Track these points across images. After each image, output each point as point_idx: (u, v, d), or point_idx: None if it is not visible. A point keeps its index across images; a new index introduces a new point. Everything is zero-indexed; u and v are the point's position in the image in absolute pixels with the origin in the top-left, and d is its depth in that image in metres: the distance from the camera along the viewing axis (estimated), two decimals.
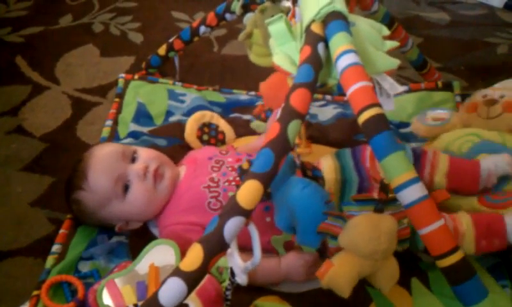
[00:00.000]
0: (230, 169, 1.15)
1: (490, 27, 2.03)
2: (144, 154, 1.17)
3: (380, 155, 0.81)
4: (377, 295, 1.01)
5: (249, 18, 1.23)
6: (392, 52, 0.95)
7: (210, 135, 1.37)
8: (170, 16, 2.06)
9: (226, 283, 0.87)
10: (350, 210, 0.93)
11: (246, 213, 0.75)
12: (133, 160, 1.15)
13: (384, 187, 0.90)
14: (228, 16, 1.49)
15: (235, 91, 1.61)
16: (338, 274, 0.88)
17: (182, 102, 1.53)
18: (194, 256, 0.73)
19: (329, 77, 0.93)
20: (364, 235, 0.87)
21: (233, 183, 1.12)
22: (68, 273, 1.05)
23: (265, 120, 1.40)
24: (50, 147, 1.42)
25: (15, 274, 1.11)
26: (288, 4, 1.12)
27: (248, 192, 0.76)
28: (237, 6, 1.41)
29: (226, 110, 1.51)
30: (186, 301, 0.76)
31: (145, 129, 1.42)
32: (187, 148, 1.34)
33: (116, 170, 1.12)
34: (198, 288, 0.76)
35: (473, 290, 0.80)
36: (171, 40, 1.59)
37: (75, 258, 1.09)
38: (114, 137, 1.40)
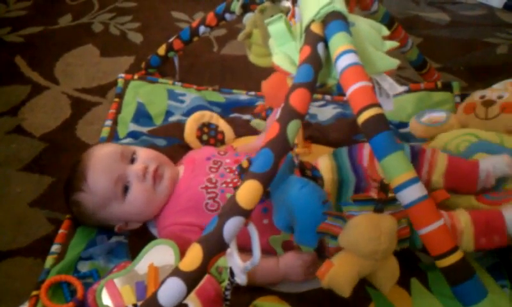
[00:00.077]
0: (228, 170, 1.15)
1: (490, 27, 2.03)
2: (144, 154, 1.17)
3: (380, 155, 0.81)
4: (377, 295, 1.01)
5: (248, 18, 1.23)
6: (391, 52, 0.95)
7: (209, 135, 1.37)
8: (170, 16, 2.06)
9: (226, 283, 0.87)
10: (350, 210, 0.93)
11: (246, 213, 0.75)
12: (132, 160, 1.15)
13: (384, 187, 0.90)
14: (227, 16, 1.50)
15: (234, 91, 1.61)
16: (338, 273, 0.88)
17: (182, 102, 1.53)
18: (194, 256, 0.73)
19: (328, 77, 0.93)
20: (364, 235, 0.87)
21: (230, 185, 1.12)
22: (67, 273, 1.05)
23: (265, 119, 1.40)
24: (50, 147, 1.42)
25: (15, 274, 1.11)
26: (288, 4, 1.12)
27: (248, 192, 0.76)
28: (236, 6, 1.41)
29: (225, 110, 1.51)
30: (185, 301, 0.75)
31: (145, 129, 1.42)
32: (187, 148, 1.34)
33: (115, 171, 1.11)
34: (197, 288, 0.76)
35: (473, 290, 0.81)
36: (170, 40, 1.59)
37: (74, 258, 1.09)
38: (113, 137, 1.40)
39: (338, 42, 0.87)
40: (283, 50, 0.98)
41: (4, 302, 1.06)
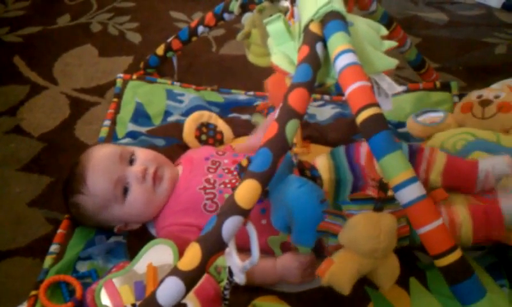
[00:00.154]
0: (226, 171, 1.15)
1: (488, 27, 2.03)
2: (143, 155, 1.16)
3: (378, 155, 0.81)
4: (376, 294, 1.01)
5: (247, 18, 1.23)
6: (390, 52, 0.95)
7: (208, 135, 1.37)
8: (168, 16, 2.06)
9: (224, 283, 0.87)
10: (350, 209, 0.93)
11: (244, 213, 0.75)
12: (131, 161, 1.15)
13: (383, 186, 0.90)
14: (226, 16, 1.49)
15: (233, 91, 1.61)
16: (338, 271, 0.88)
17: (181, 102, 1.53)
18: (192, 255, 0.73)
19: (327, 77, 0.93)
20: (364, 233, 0.87)
21: (228, 185, 1.12)
22: (66, 273, 1.05)
23: (265, 115, 1.41)
24: (49, 147, 1.42)
25: (13, 273, 1.11)
26: (287, 3, 1.12)
27: (246, 192, 0.76)
28: (235, 6, 1.41)
29: (224, 110, 1.51)
30: (184, 300, 0.76)
31: (143, 129, 1.42)
32: (186, 148, 1.34)
33: (114, 173, 1.11)
34: (196, 287, 0.76)
35: (472, 290, 0.81)
36: (169, 40, 1.59)
37: (73, 258, 1.09)
38: (112, 137, 1.40)
39: (337, 42, 0.87)
40: (281, 50, 0.98)
41: (2, 302, 1.05)
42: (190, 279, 0.73)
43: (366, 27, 0.96)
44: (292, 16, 1.04)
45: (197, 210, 1.09)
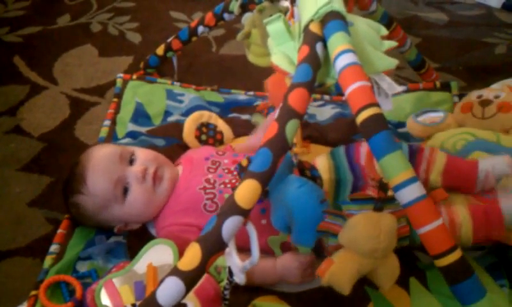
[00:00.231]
0: (226, 171, 1.15)
1: (488, 27, 2.03)
2: (143, 155, 1.16)
3: (378, 155, 0.81)
4: (376, 295, 1.01)
5: (247, 18, 1.23)
6: (390, 52, 0.95)
7: (208, 135, 1.36)
8: (168, 16, 2.06)
9: (225, 283, 0.87)
10: (350, 209, 0.93)
11: (244, 213, 0.75)
12: (131, 162, 1.15)
13: (383, 186, 0.90)
14: (226, 16, 1.49)
15: (233, 91, 1.61)
16: (338, 271, 0.88)
17: (181, 102, 1.53)
18: (192, 255, 0.73)
19: (327, 77, 0.93)
20: (364, 233, 0.87)
21: (228, 185, 1.12)
22: (66, 273, 1.05)
23: (265, 115, 1.41)
24: (48, 147, 1.42)
25: (13, 273, 1.11)
26: (287, 4, 1.12)
27: (246, 192, 0.76)
28: (235, 6, 1.41)
29: (224, 110, 1.51)
30: (184, 300, 0.76)
31: (143, 129, 1.42)
32: (186, 148, 1.34)
33: (114, 173, 1.11)
34: (196, 287, 0.76)
35: (472, 290, 0.81)
36: (169, 40, 1.59)
37: (73, 258, 1.09)
38: (112, 137, 1.40)
39: (337, 42, 0.87)
40: (281, 50, 0.98)
41: (2, 302, 1.05)
42: (190, 279, 0.73)
43: (366, 27, 0.96)
44: (292, 16, 1.04)
45: (197, 210, 1.09)
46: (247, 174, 0.78)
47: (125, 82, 1.59)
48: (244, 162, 0.98)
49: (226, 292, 0.87)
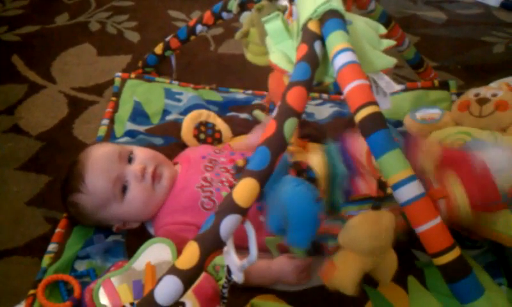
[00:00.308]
0: (223, 170, 1.15)
1: (486, 26, 2.03)
2: (141, 154, 1.16)
3: (377, 153, 0.81)
4: (374, 293, 1.01)
5: (245, 16, 1.23)
6: (388, 51, 0.95)
7: (206, 134, 1.36)
8: (167, 15, 2.06)
9: (223, 281, 0.87)
10: (349, 211, 0.93)
11: (243, 211, 0.75)
12: (130, 160, 1.14)
13: (382, 185, 0.90)
14: (224, 15, 1.49)
15: (231, 89, 1.61)
16: (342, 275, 0.88)
17: (179, 100, 1.53)
18: (190, 254, 0.73)
19: (325, 75, 0.93)
20: (365, 233, 0.87)
21: (226, 183, 1.12)
22: (64, 272, 1.05)
23: (267, 111, 1.41)
24: (47, 146, 1.42)
25: (12, 273, 1.11)
26: (285, 2, 1.11)
27: (244, 190, 0.76)
28: (233, 5, 1.41)
29: (223, 109, 1.51)
30: (183, 299, 0.75)
31: (142, 128, 1.42)
32: (184, 146, 1.33)
33: (113, 171, 1.11)
34: (194, 286, 0.75)
35: (470, 288, 0.81)
36: (167, 39, 1.59)
37: (71, 257, 1.09)
38: (110, 136, 1.40)
39: (336, 40, 0.87)
40: (280, 49, 0.98)
41: (1, 301, 1.05)
42: (188, 277, 0.73)
43: (364, 26, 0.96)
44: (291, 14, 1.04)
45: (195, 208, 1.09)
46: (245, 172, 0.78)
47: (124, 81, 1.59)
48: (240, 162, 0.98)
49: (225, 291, 0.87)
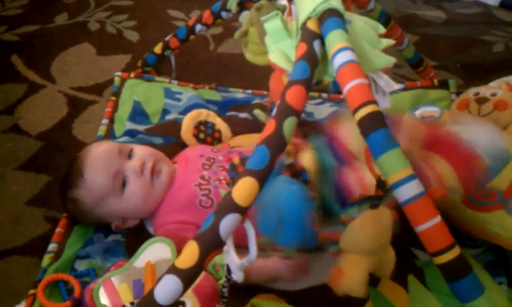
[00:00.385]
0: (221, 168, 1.15)
1: (486, 25, 2.03)
2: (141, 151, 1.16)
3: (376, 152, 0.81)
4: (374, 293, 1.01)
5: (245, 16, 1.23)
6: (388, 50, 0.95)
7: (206, 134, 1.36)
8: (166, 15, 2.06)
9: (223, 280, 0.87)
10: (350, 214, 0.92)
11: (242, 211, 0.75)
12: (129, 157, 1.15)
13: (381, 184, 0.90)
14: (224, 14, 1.49)
15: (231, 89, 1.61)
16: (350, 278, 0.88)
17: (179, 100, 1.53)
18: (190, 253, 0.73)
19: (325, 75, 0.93)
20: (367, 234, 0.87)
21: (223, 181, 1.12)
22: (64, 272, 1.05)
23: (267, 110, 1.40)
24: (46, 146, 1.42)
25: (12, 273, 1.11)
26: (284, 1, 1.11)
27: (244, 189, 0.76)
28: (233, 4, 1.41)
29: (222, 108, 1.51)
30: (182, 298, 0.75)
31: (141, 127, 1.42)
32: (184, 146, 1.33)
33: (112, 166, 1.11)
34: (194, 285, 0.75)
35: (470, 287, 0.81)
36: (167, 38, 1.59)
37: (71, 257, 1.09)
38: (110, 135, 1.40)
39: (335, 39, 0.86)
40: (279, 48, 0.98)
41: (1, 301, 1.05)
42: (188, 277, 0.73)
43: (364, 25, 0.96)
44: (290, 14, 1.04)
45: (193, 206, 1.09)
46: (245, 171, 0.78)
47: (123, 81, 1.59)
48: (236, 161, 0.98)
49: (225, 290, 0.87)
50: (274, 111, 0.83)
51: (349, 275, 0.88)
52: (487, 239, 1.07)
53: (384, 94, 0.91)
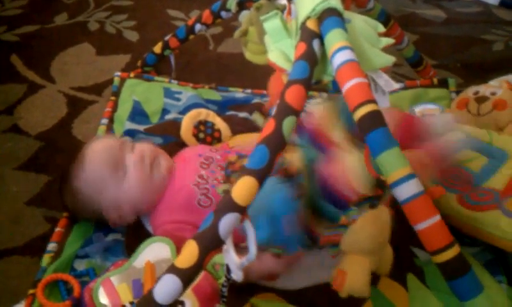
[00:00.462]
0: (219, 168, 1.15)
1: (486, 24, 2.03)
2: (142, 146, 1.18)
3: (376, 151, 0.81)
4: (374, 291, 1.01)
5: (244, 15, 1.23)
6: (387, 49, 0.95)
7: (206, 133, 1.36)
8: (166, 15, 2.06)
9: (222, 280, 0.87)
10: (351, 216, 0.93)
11: (241, 210, 0.75)
12: (131, 151, 1.16)
13: (380, 183, 0.90)
14: (223, 14, 1.49)
15: (231, 89, 1.61)
16: (353, 280, 0.88)
17: (178, 100, 1.53)
18: (190, 252, 0.73)
19: (324, 74, 0.93)
20: (367, 235, 0.87)
21: (222, 181, 1.12)
22: (64, 271, 1.05)
23: (265, 114, 1.41)
24: (46, 146, 1.42)
25: (11, 272, 1.11)
26: (284, 1, 1.11)
27: (243, 189, 0.76)
28: (232, 4, 1.41)
29: (222, 108, 1.51)
30: (182, 298, 0.75)
31: (141, 127, 1.42)
32: (183, 145, 1.33)
33: (113, 156, 1.13)
34: (194, 284, 0.76)
35: (469, 285, 0.80)
36: (166, 38, 1.59)
37: (70, 256, 1.09)
38: None
39: (334, 39, 0.86)
40: (278, 47, 0.98)
41: (0, 301, 1.05)
42: (187, 276, 0.73)
43: (363, 24, 0.96)
44: (289, 13, 1.04)
45: (192, 205, 1.09)
46: (244, 171, 0.78)
47: (123, 81, 1.59)
48: (233, 158, 0.97)
49: (224, 289, 0.87)
50: (274, 111, 0.83)
51: (352, 277, 0.88)
52: (482, 239, 1.07)
53: (384, 93, 0.91)
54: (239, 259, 0.78)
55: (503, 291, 1.01)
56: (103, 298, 0.94)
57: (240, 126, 1.42)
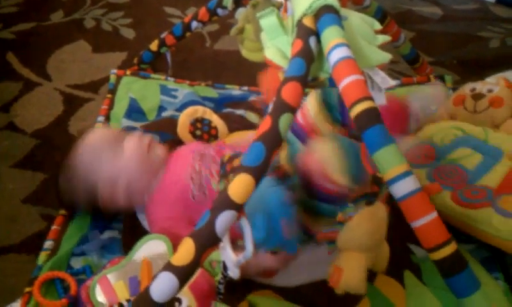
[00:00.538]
0: (214, 163, 1.15)
1: (482, 21, 2.04)
2: (139, 132, 1.21)
3: (372, 148, 0.81)
4: (371, 288, 1.01)
5: (241, 13, 1.23)
6: (384, 46, 0.95)
7: (202, 131, 1.36)
8: (162, 12, 2.06)
9: (219, 277, 0.87)
10: (348, 213, 0.93)
11: (238, 207, 0.75)
12: None
13: (377, 180, 0.90)
14: (220, 11, 1.49)
15: (227, 86, 1.61)
16: (350, 276, 0.89)
17: (175, 97, 1.53)
18: (186, 250, 0.73)
19: (320, 71, 0.93)
20: (364, 231, 0.88)
21: (215, 174, 1.12)
22: (60, 269, 1.05)
23: (259, 111, 1.40)
24: (42, 143, 1.42)
25: (7, 270, 1.11)
26: None
27: (240, 186, 0.76)
28: (229, 1, 1.41)
29: (218, 105, 1.51)
30: (179, 295, 0.75)
31: (137, 124, 1.42)
32: (180, 143, 1.33)
33: (111, 136, 1.16)
34: (190, 282, 0.75)
35: (466, 282, 0.81)
36: (163, 36, 1.59)
37: (67, 254, 1.08)
38: None
39: (331, 36, 0.86)
40: (275, 44, 0.98)
41: None
42: (184, 274, 0.73)
43: (360, 21, 0.95)
44: (286, 10, 1.04)
45: (186, 200, 1.09)
46: (240, 168, 0.78)
47: (119, 78, 1.59)
48: (228, 156, 0.97)
49: (221, 287, 0.87)
50: (270, 108, 0.83)
51: (348, 273, 0.89)
52: (476, 236, 1.07)
53: (380, 90, 0.91)
54: (236, 256, 0.78)
55: (500, 288, 1.01)
56: (100, 296, 0.93)
57: (237, 124, 1.42)
